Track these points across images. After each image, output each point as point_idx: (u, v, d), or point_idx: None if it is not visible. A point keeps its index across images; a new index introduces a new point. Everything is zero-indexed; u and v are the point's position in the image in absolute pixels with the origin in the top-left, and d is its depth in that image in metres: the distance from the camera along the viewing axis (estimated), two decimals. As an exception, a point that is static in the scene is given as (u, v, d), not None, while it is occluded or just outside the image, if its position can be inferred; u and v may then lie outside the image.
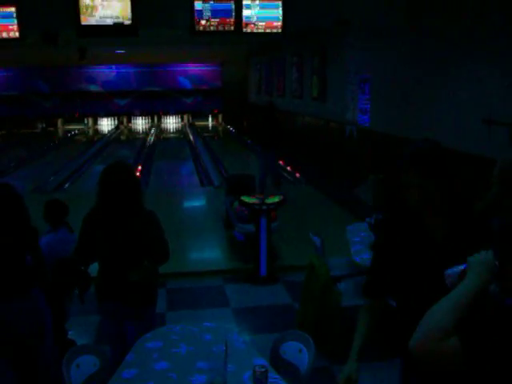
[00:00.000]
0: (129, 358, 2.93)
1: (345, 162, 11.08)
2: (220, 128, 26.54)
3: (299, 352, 3.06)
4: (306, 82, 14.32)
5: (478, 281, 1.73)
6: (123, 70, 26.10)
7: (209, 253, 7.60)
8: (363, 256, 4.64)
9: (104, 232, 3.45)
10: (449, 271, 1.88)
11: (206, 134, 23.23)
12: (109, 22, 8.06)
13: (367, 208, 6.56)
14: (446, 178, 2.17)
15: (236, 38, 11.32)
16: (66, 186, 12.41)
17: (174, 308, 5.73)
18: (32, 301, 3.60)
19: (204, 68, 26.51)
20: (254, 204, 6.38)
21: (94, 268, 3.73)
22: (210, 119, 27.74)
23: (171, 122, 27.39)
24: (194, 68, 26.48)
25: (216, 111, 27.22)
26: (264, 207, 6.28)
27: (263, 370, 2.43)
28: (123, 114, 26.87)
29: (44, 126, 25.92)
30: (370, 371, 3.91)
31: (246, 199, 6.53)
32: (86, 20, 8.03)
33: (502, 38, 5.96)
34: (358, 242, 4.98)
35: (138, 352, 3.00)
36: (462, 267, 1.83)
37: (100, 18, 8.03)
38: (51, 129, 25.57)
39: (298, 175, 12.71)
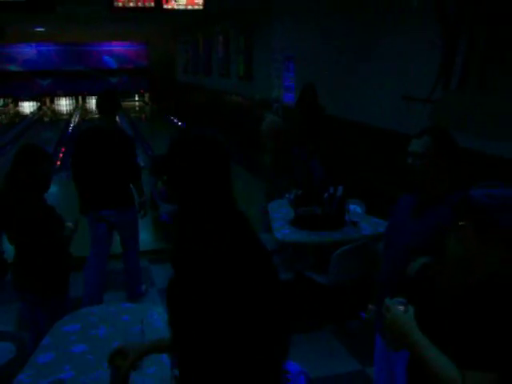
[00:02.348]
0: (45, 343, 2.87)
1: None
2: (147, 108, 26.10)
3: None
4: (233, 60, 14.28)
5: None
6: (44, 49, 25.11)
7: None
8: (284, 231, 4.72)
9: (9, 218, 3.40)
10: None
11: (132, 115, 22.78)
12: (22, -4, 7.72)
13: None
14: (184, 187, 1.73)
15: (157, 15, 11.09)
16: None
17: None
18: None
19: (129, 47, 25.87)
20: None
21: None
22: (136, 99, 27.22)
23: (97, 103, 26.58)
24: (118, 47, 25.79)
25: (142, 91, 26.72)
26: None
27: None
28: (46, 95, 25.91)
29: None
30: (307, 341, 4.48)
31: (169, 179, 6.45)
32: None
33: (421, 13, 6.07)
34: (279, 219, 5.05)
35: (55, 336, 2.94)
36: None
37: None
38: (-32, 110, 24.40)
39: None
